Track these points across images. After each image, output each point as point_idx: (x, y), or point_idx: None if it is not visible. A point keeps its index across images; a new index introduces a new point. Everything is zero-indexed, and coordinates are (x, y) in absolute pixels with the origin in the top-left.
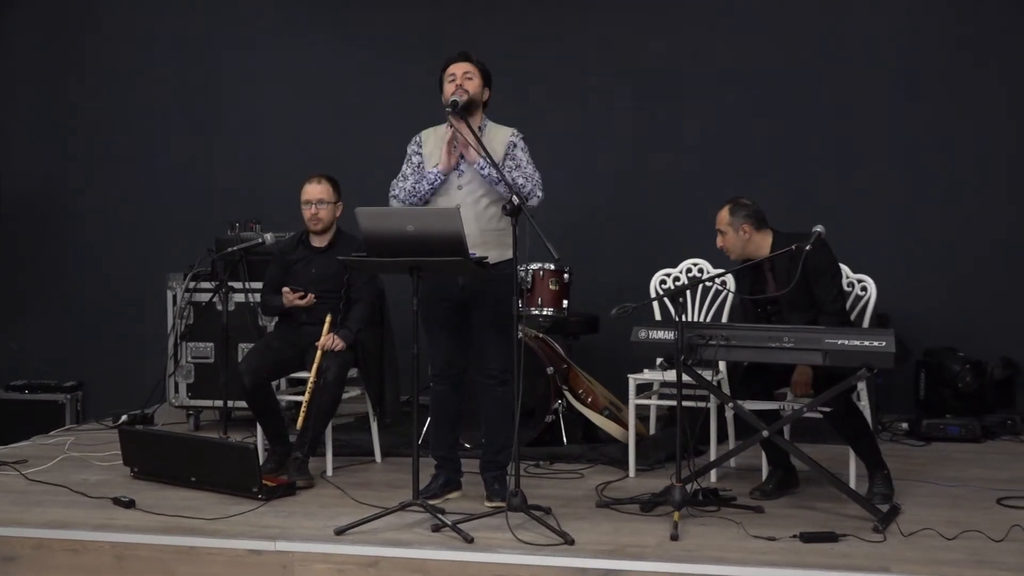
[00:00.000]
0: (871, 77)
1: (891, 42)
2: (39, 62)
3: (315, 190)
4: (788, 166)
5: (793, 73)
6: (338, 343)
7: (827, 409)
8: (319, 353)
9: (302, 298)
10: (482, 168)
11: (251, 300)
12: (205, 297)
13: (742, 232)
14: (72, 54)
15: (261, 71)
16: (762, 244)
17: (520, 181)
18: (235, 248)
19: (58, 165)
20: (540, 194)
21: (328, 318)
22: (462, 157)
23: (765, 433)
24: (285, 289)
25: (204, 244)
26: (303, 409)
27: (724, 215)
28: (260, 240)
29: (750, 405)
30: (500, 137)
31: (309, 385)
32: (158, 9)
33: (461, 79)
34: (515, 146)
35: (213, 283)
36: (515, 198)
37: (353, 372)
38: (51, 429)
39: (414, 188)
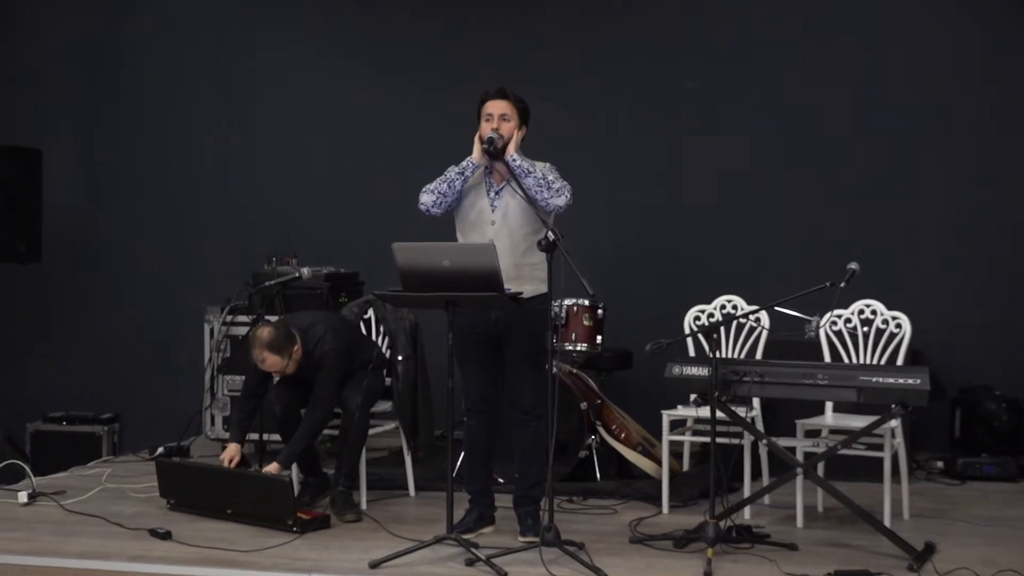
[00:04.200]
0: (906, 111)
1: (927, 72)
2: (74, 95)
3: (268, 365)
4: (821, 200)
5: (826, 106)
6: (273, 468)
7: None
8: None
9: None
10: (514, 159)
11: None
12: (242, 331)
13: None
14: (106, 91)
15: (298, 104)
16: None
17: (550, 177)
18: (272, 282)
19: (96, 197)
20: (568, 195)
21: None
22: (498, 194)
23: (799, 470)
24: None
25: (241, 278)
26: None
27: None
28: (297, 274)
29: (784, 442)
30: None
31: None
32: (192, 42)
33: (497, 121)
34: (548, 170)
35: (250, 317)
36: (550, 234)
37: (387, 406)
38: (89, 460)
39: (444, 176)
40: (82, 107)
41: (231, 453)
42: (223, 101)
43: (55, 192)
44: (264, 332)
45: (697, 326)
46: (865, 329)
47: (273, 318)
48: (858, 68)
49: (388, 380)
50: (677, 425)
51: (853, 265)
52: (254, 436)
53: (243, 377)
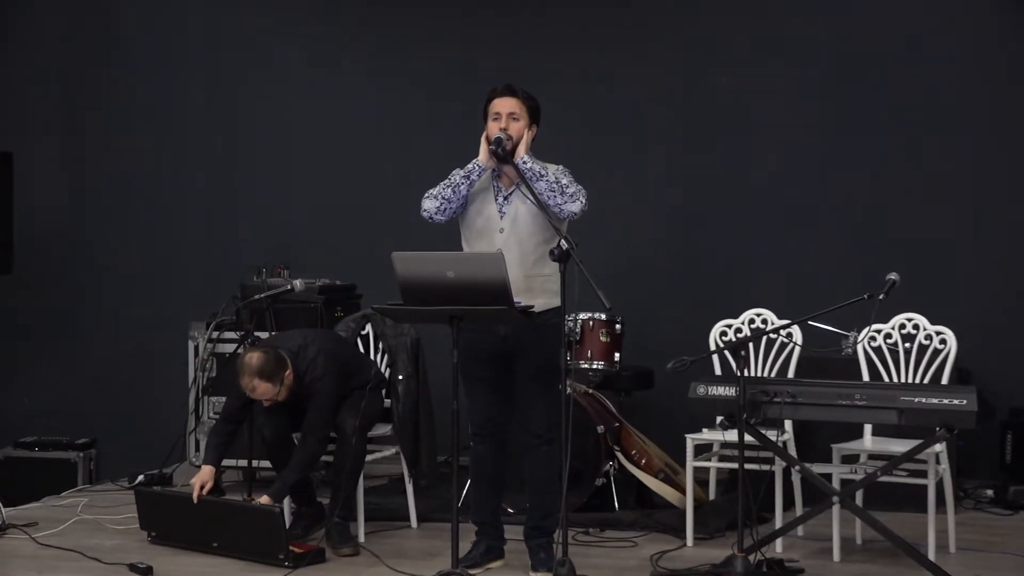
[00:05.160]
0: (950, 119)
1: (965, 70)
2: (57, 100)
3: (259, 394)
4: (860, 211)
5: (858, 107)
6: (264, 500)
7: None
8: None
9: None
10: (525, 162)
11: None
12: (229, 348)
13: None
14: (90, 92)
15: (289, 109)
16: None
17: (564, 181)
18: (262, 295)
19: (73, 208)
20: (584, 200)
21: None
22: (506, 199)
23: (835, 499)
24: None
25: (228, 291)
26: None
27: None
28: (289, 287)
29: (819, 468)
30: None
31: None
32: (184, 44)
33: (506, 120)
34: (561, 174)
35: (238, 333)
36: (564, 242)
37: (386, 429)
38: (63, 489)
39: (449, 180)
40: (62, 107)
41: (204, 477)
42: (213, 104)
43: (34, 200)
44: (253, 358)
45: (724, 342)
46: (907, 345)
47: (263, 335)
48: (891, 68)
49: (387, 401)
50: (702, 450)
51: (893, 275)
52: (243, 463)
53: None
